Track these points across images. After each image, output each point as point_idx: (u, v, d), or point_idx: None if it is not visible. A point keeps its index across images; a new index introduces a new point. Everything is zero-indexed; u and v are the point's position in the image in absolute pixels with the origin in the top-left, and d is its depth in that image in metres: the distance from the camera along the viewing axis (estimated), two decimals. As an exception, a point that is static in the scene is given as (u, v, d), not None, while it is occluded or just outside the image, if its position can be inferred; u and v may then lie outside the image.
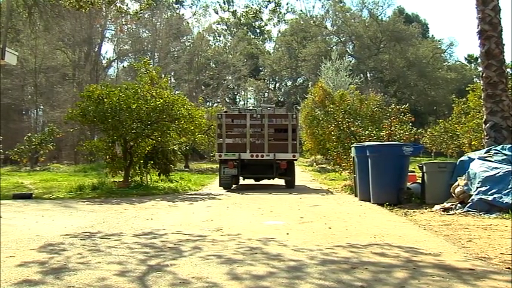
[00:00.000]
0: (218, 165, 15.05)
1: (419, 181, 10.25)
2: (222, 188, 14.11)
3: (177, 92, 28.78)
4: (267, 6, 63.23)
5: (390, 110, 15.03)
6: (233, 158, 13.64)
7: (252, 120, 14.08)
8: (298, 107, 30.83)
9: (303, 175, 20.59)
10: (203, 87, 47.44)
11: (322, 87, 22.79)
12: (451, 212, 7.82)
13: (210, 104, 42.20)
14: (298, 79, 54.01)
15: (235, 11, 62.53)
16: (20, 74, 31.35)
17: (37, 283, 3.75)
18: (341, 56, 34.79)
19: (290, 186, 14.17)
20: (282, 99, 53.52)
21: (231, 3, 62.33)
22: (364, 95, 19.70)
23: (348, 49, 49.58)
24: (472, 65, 49.28)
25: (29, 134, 24.41)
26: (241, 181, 15.16)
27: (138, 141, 13.52)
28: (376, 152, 9.82)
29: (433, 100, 44.13)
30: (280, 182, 14.99)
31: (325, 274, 3.98)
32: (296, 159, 14.59)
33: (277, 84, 58.44)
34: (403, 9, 53.98)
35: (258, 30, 64.33)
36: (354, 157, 11.03)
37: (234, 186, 14.53)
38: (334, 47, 48.28)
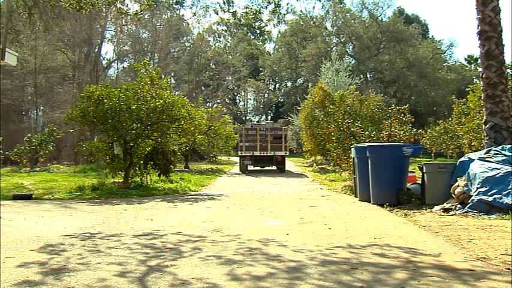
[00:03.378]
0: (239, 159, 23.63)
1: (419, 182, 10.26)
2: (241, 172, 22.56)
3: (177, 92, 28.87)
4: (266, 7, 63.33)
5: (390, 110, 15.02)
6: (249, 155, 22.29)
7: (260, 131, 22.48)
8: (298, 108, 30.92)
9: (302, 176, 20.61)
10: (203, 87, 47.48)
11: (322, 87, 22.75)
12: (451, 213, 7.82)
13: (210, 105, 42.20)
14: (298, 80, 54.01)
15: (235, 11, 62.66)
16: (19, 75, 31.35)
17: (37, 284, 3.75)
18: (341, 57, 34.78)
19: (282, 171, 22.42)
20: (281, 100, 53.59)
21: (231, 4, 62.42)
22: (364, 96, 19.66)
23: (347, 50, 49.59)
24: (472, 65, 49.31)
25: (29, 135, 24.37)
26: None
27: (138, 142, 13.52)
28: (376, 152, 9.83)
29: (433, 101, 44.11)
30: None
31: (325, 275, 3.98)
32: (287, 155, 23.33)
33: (277, 85, 58.49)
34: (403, 9, 54.12)
35: (258, 31, 64.39)
36: (353, 158, 11.03)
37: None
38: (334, 48, 48.28)
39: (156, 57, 39.44)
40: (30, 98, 34.31)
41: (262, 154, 22.19)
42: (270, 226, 6.81)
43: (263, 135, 22.30)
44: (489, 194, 7.65)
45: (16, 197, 11.04)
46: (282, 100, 53.80)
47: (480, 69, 10.39)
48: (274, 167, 23.09)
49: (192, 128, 14.15)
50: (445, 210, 8.01)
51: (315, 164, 26.25)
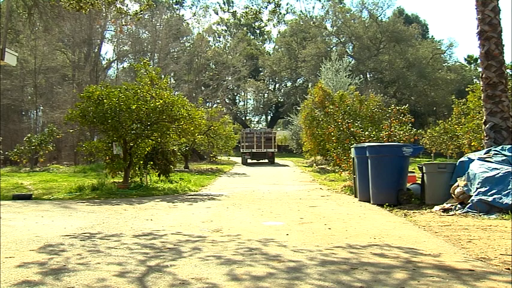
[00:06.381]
0: (241, 155, 31.21)
1: (419, 182, 10.26)
2: (243, 165, 29.86)
3: (176, 92, 28.80)
4: (266, 7, 63.13)
5: (390, 110, 15.02)
6: (248, 151, 30.52)
7: (256, 134, 30.91)
8: (298, 108, 31.08)
9: (302, 176, 20.62)
10: (203, 87, 47.41)
11: (321, 87, 22.70)
12: (451, 213, 7.82)
13: (210, 105, 42.18)
14: (298, 80, 53.93)
15: (235, 11, 62.57)
16: (19, 75, 31.33)
17: (36, 284, 3.75)
18: (341, 57, 34.71)
19: (272, 163, 30.33)
20: (281, 100, 53.57)
21: (231, 4, 62.37)
22: (364, 96, 19.63)
23: (347, 50, 49.49)
24: (472, 65, 49.30)
25: (29, 135, 24.34)
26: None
27: (137, 142, 13.53)
28: (376, 152, 9.83)
29: (432, 101, 44.05)
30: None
31: (325, 275, 3.98)
32: (276, 151, 32.18)
33: (277, 85, 58.42)
34: (403, 9, 54.08)
35: (257, 31, 64.32)
36: (353, 158, 11.04)
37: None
38: (333, 48, 48.22)
39: (156, 57, 39.36)
40: (30, 98, 34.24)
41: (258, 151, 30.44)
42: (270, 226, 6.81)
43: (258, 137, 30.66)
44: (489, 194, 7.65)
45: (16, 197, 11.05)
46: (281, 100, 53.75)
47: (480, 69, 10.38)
48: (266, 160, 30.92)
49: (192, 128, 14.15)
50: (445, 210, 8.01)
51: (314, 164, 26.23)
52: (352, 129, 14.34)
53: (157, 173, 15.61)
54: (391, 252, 4.90)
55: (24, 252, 4.91)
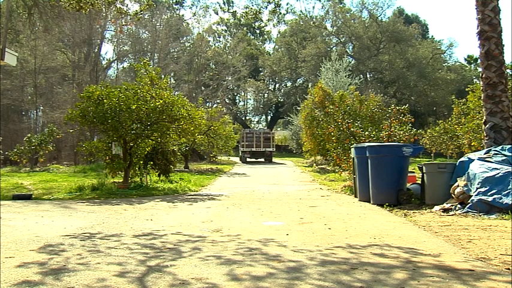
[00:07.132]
0: (240, 153, 33.49)
1: (419, 182, 10.26)
2: (242, 163, 31.92)
3: (176, 92, 28.80)
4: (266, 7, 63.07)
5: (390, 110, 15.02)
6: (248, 150, 32.65)
7: (255, 135, 33.14)
8: (298, 108, 31.12)
9: (302, 176, 20.62)
10: (203, 87, 47.41)
11: (321, 87, 22.67)
12: (451, 213, 7.82)
13: (210, 105, 42.19)
14: (298, 80, 53.92)
15: (235, 11, 62.54)
16: (19, 75, 31.33)
17: (37, 284, 3.75)
18: (341, 57, 34.70)
19: (270, 162, 32.47)
20: (281, 100, 53.57)
21: (231, 4, 62.36)
22: (364, 96, 19.62)
23: (347, 50, 49.49)
24: (472, 65, 49.30)
25: (29, 135, 24.32)
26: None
27: (137, 142, 13.52)
28: (375, 152, 9.83)
29: (432, 101, 44.04)
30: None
31: (325, 275, 3.98)
32: (274, 150, 34.33)
33: (277, 85, 58.40)
34: (403, 9, 54.10)
35: (257, 31, 64.31)
36: (353, 158, 11.04)
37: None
38: (333, 48, 48.22)
39: (156, 57, 39.33)
40: (30, 98, 34.24)
41: (257, 150, 32.74)
42: (270, 226, 6.81)
43: (257, 137, 33.00)
44: (489, 194, 7.65)
45: (16, 197, 11.05)
46: (281, 100, 53.74)
47: (480, 69, 10.39)
48: (263, 159, 33.19)
49: (192, 128, 14.15)
50: (445, 210, 8.01)
51: (314, 164, 26.22)
52: (352, 129, 14.34)
53: (157, 173, 15.61)
54: (391, 252, 4.90)
55: (24, 252, 4.91)
